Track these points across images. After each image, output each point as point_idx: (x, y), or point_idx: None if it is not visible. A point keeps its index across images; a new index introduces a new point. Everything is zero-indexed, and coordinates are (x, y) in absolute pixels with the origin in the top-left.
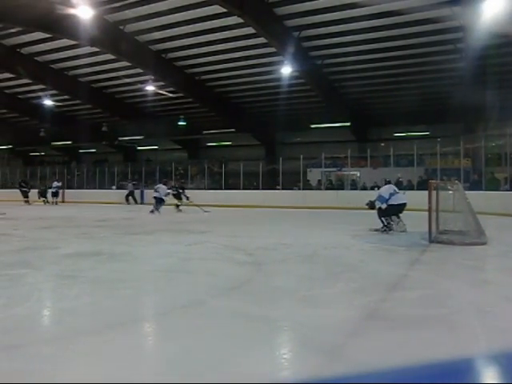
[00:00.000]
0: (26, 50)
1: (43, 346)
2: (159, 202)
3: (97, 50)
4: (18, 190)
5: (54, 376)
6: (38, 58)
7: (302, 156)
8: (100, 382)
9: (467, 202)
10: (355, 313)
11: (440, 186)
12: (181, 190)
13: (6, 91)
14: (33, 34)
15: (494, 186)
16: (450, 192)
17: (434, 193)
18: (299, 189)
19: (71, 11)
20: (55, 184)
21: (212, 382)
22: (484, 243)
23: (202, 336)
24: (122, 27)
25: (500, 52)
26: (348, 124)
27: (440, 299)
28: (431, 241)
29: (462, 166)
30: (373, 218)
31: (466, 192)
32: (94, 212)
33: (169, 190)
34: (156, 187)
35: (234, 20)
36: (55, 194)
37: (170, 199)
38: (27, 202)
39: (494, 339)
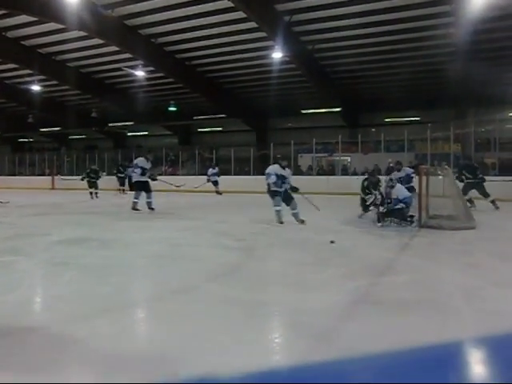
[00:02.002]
0: (11, 34)
1: (35, 333)
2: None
3: (85, 34)
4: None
5: (45, 363)
6: (25, 42)
7: (292, 141)
8: (99, 382)
9: (456, 187)
10: (345, 297)
11: (430, 171)
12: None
13: None
14: (19, 17)
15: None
16: (440, 177)
17: (423, 178)
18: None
19: None
20: (211, 171)
21: (208, 374)
22: (473, 228)
23: (193, 321)
24: (110, 11)
25: (491, 37)
26: (339, 109)
27: (429, 283)
28: (421, 226)
29: (451, 151)
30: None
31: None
32: (84, 198)
33: None
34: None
35: (224, 4)
36: (216, 183)
37: None
38: (123, 190)
39: (482, 322)
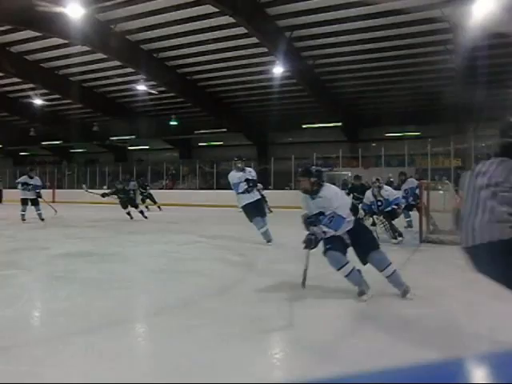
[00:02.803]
0: (15, 49)
1: (35, 347)
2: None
3: (87, 49)
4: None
5: (46, 377)
6: (28, 57)
7: (293, 156)
8: (97, 382)
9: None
10: (345, 313)
11: (431, 186)
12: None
13: None
14: (22, 32)
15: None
16: (441, 192)
17: (424, 193)
18: (291, 189)
19: (61, 10)
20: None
21: (208, 382)
22: None
23: (193, 336)
24: (112, 26)
25: (490, 53)
26: (340, 124)
27: (430, 299)
28: (422, 240)
29: (452, 166)
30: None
31: None
32: (86, 212)
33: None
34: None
35: (225, 20)
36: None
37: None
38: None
39: (483, 339)
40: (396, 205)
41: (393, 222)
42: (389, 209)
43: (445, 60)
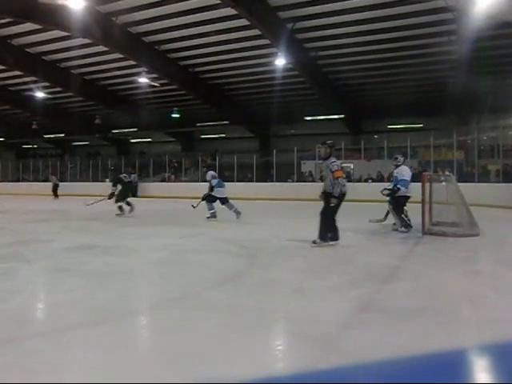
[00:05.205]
0: (17, 41)
1: (38, 339)
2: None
3: (89, 41)
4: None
5: (49, 369)
6: (30, 50)
7: (295, 148)
8: (98, 382)
9: (460, 194)
10: (349, 304)
11: (433, 178)
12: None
13: None
14: (24, 25)
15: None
16: (443, 184)
17: (427, 185)
18: (293, 181)
19: (62, 2)
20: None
21: (210, 381)
22: (476, 235)
23: (196, 328)
24: (114, 18)
25: (494, 44)
26: (342, 116)
27: (433, 291)
28: (424, 233)
29: (455, 158)
30: (366, 210)
31: (459, 184)
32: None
33: None
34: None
35: (227, 11)
36: None
37: None
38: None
39: (486, 330)
40: (396, 186)
41: (400, 212)
42: (389, 187)
43: (448, 51)
